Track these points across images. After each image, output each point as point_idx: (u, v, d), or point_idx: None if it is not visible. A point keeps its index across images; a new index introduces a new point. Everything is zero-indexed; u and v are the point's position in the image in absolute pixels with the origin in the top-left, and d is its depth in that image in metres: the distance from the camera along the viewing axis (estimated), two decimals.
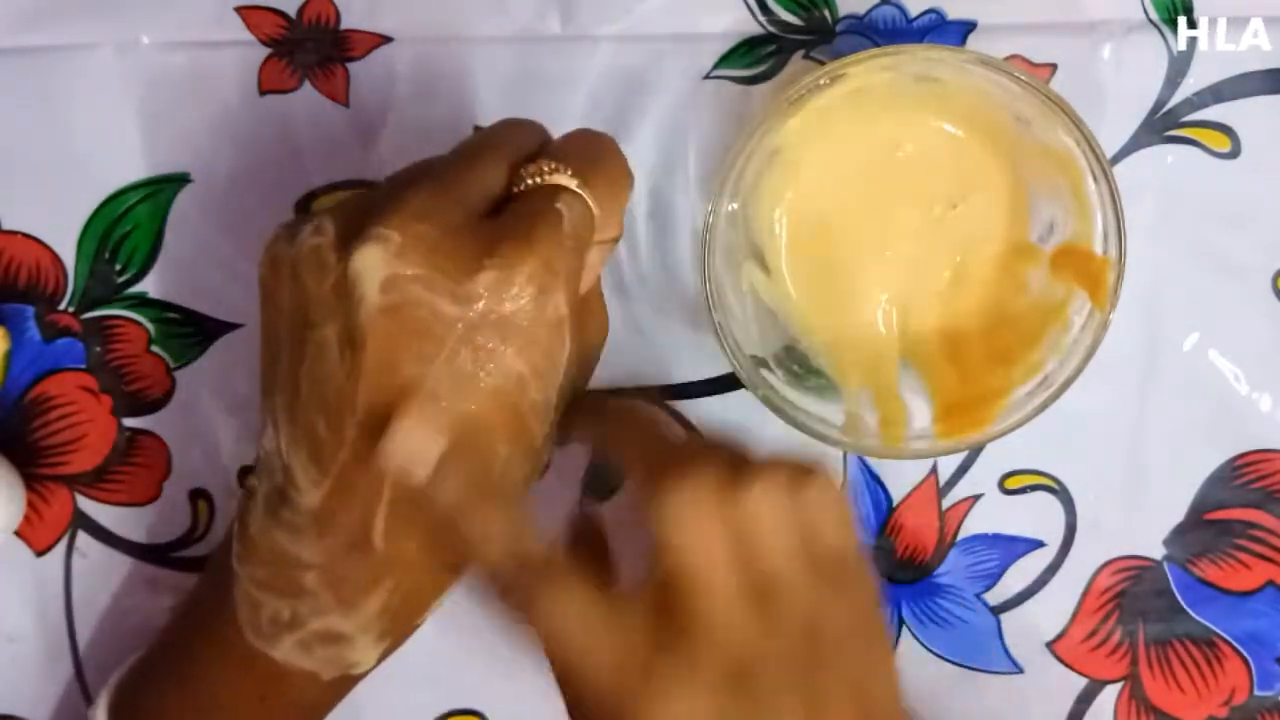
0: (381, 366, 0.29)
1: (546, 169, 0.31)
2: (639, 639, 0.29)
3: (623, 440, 0.33)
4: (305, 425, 0.30)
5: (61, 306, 0.41)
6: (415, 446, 0.29)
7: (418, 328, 0.29)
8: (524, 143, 0.32)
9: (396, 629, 0.33)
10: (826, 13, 0.40)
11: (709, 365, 0.41)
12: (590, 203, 0.31)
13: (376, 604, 0.32)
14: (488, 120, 0.40)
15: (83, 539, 0.41)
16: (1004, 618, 0.42)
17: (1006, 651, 0.42)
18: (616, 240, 0.34)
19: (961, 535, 0.42)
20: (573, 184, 0.31)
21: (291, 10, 0.40)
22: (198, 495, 0.41)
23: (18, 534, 0.41)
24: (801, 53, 0.40)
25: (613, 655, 0.28)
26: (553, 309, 0.30)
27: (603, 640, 0.29)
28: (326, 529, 0.31)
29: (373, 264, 0.29)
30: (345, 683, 0.34)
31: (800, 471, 0.31)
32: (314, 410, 0.30)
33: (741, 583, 0.29)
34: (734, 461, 0.31)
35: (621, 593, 0.30)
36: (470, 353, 0.29)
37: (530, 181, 0.31)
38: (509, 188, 0.31)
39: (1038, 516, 0.42)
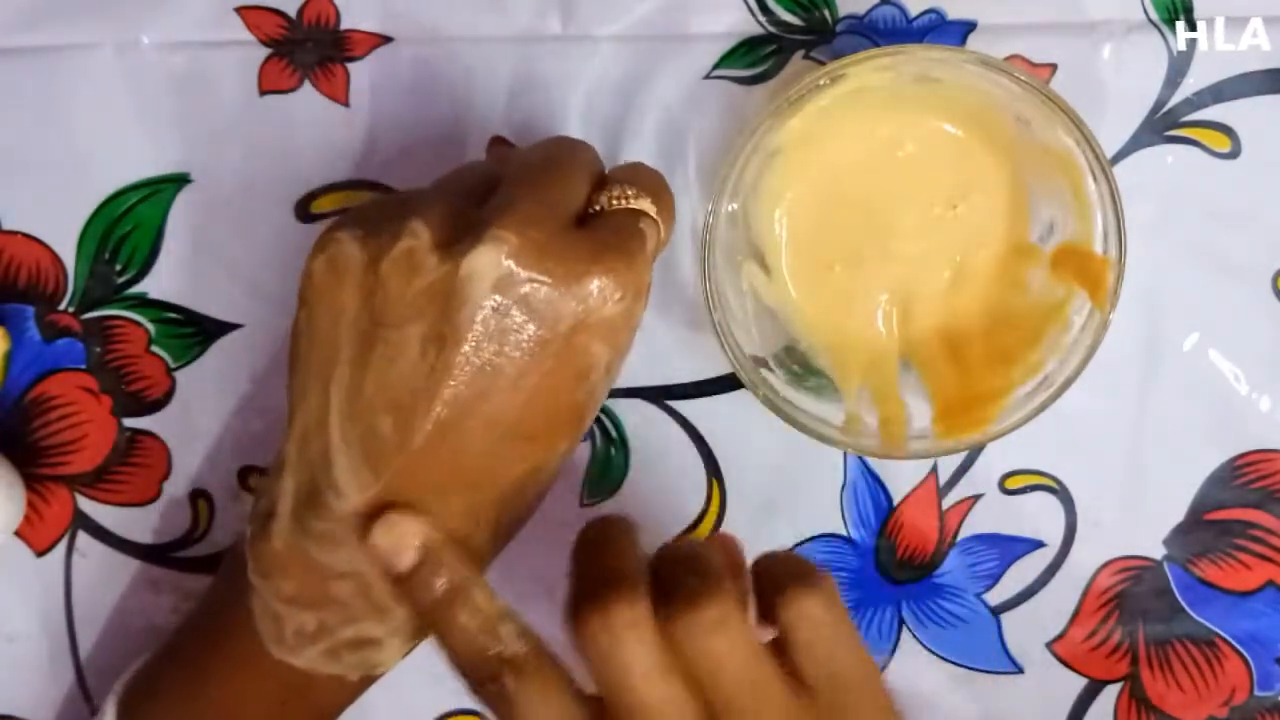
0: (478, 365, 0.30)
1: (630, 193, 0.33)
2: None
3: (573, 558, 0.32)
4: (365, 425, 0.31)
5: (61, 306, 0.41)
6: (397, 538, 0.31)
7: (520, 328, 0.31)
8: (595, 163, 0.35)
9: (422, 632, 0.33)
10: (826, 13, 0.40)
11: (709, 365, 0.41)
12: (661, 228, 0.34)
13: (407, 610, 0.32)
14: (489, 123, 0.40)
15: (83, 539, 0.41)
16: (1004, 618, 0.42)
17: (1006, 651, 0.42)
18: None
19: (961, 535, 0.42)
20: (652, 210, 0.34)
21: (291, 10, 0.40)
22: (198, 495, 0.41)
23: (18, 534, 0.41)
24: (801, 53, 0.40)
25: None
26: (636, 316, 0.33)
27: None
28: (368, 533, 0.31)
29: (489, 265, 0.30)
30: (366, 682, 0.34)
31: (792, 581, 0.30)
32: (379, 410, 0.31)
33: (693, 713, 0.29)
34: (692, 586, 0.29)
35: (590, 704, 0.29)
36: (568, 352, 0.31)
37: (616, 203, 0.33)
38: (588, 204, 0.33)
39: (1038, 516, 0.42)
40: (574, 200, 0.33)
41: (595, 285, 0.31)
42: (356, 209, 0.34)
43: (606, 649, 0.28)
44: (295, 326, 0.33)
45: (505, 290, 0.30)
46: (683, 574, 0.30)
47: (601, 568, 0.30)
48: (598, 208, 0.33)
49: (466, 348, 0.30)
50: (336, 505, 0.31)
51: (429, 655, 0.40)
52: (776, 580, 0.31)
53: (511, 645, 0.30)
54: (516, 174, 0.33)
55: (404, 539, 0.31)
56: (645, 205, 0.33)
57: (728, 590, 0.29)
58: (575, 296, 0.31)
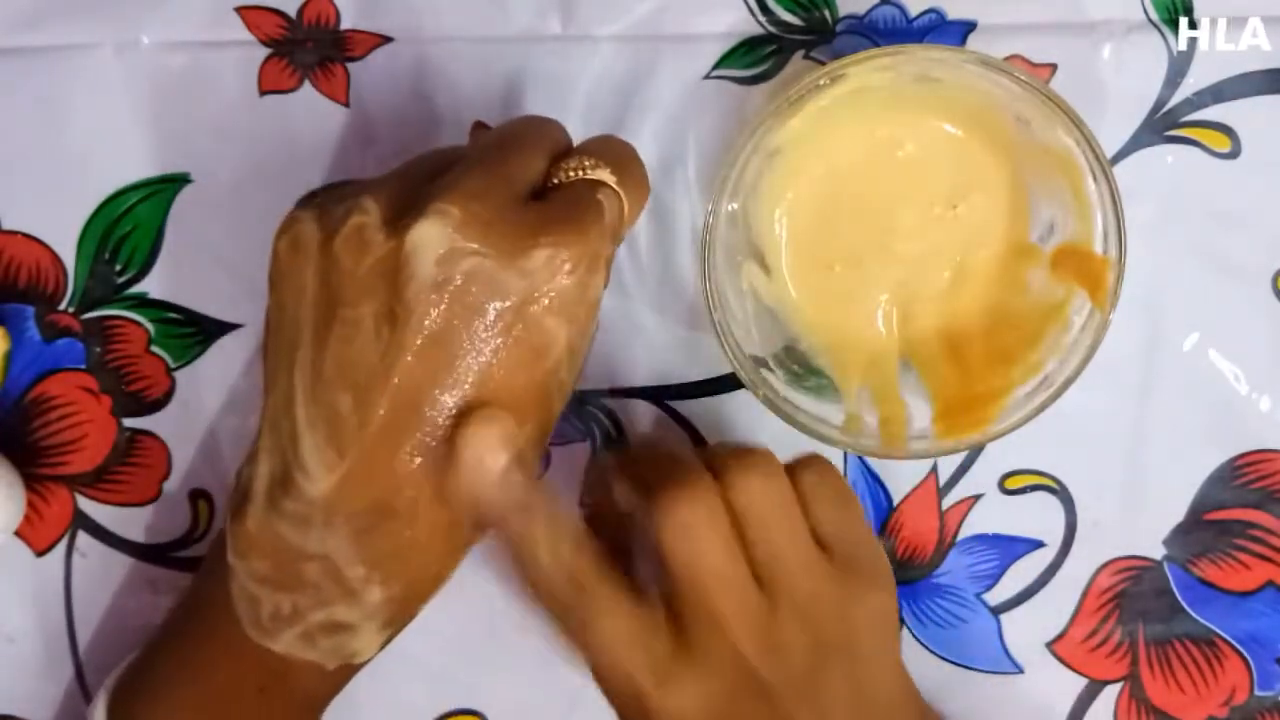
0: (430, 341, 0.30)
1: (588, 164, 0.33)
2: (660, 647, 0.32)
3: (635, 473, 0.35)
4: (326, 405, 0.31)
5: (61, 306, 0.41)
6: (496, 435, 0.31)
7: (470, 302, 0.30)
8: (557, 138, 0.34)
9: (401, 615, 0.33)
10: (826, 13, 0.40)
11: (709, 365, 0.41)
12: (623, 199, 0.33)
13: (382, 592, 0.32)
14: (493, 119, 0.40)
15: (83, 539, 0.41)
16: (1004, 618, 0.42)
17: (1006, 651, 0.42)
18: (617, 246, 0.35)
19: (961, 535, 0.42)
20: (611, 180, 0.33)
21: (291, 10, 0.40)
22: (198, 495, 0.41)
23: (18, 534, 0.41)
24: (801, 53, 0.40)
25: (642, 662, 0.32)
26: (593, 290, 0.32)
27: (634, 652, 0.32)
28: (335, 515, 0.31)
29: (432, 239, 0.30)
30: (346, 671, 0.34)
31: (796, 461, 0.35)
32: (338, 389, 0.31)
33: (743, 578, 0.32)
34: (725, 462, 0.33)
35: (647, 605, 0.32)
36: (521, 327, 0.31)
37: (572, 174, 0.33)
38: (547, 179, 0.33)
39: (1038, 516, 0.42)
40: (528, 173, 0.32)
41: (542, 256, 0.30)
42: (320, 190, 0.34)
43: (695, 537, 0.32)
44: (266, 311, 0.33)
45: (451, 264, 0.30)
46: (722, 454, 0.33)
47: (669, 467, 0.33)
48: (555, 181, 0.33)
49: (415, 323, 0.30)
50: (306, 486, 0.31)
51: (428, 654, 0.41)
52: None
53: (576, 561, 0.32)
54: (472, 151, 0.33)
55: (500, 439, 0.31)
56: (604, 175, 0.33)
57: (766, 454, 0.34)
58: (520, 270, 0.30)
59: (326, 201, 0.32)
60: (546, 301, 0.31)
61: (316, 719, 0.36)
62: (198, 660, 0.34)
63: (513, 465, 0.31)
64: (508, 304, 0.30)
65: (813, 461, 0.35)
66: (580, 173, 0.33)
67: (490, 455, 0.31)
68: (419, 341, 0.30)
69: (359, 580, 0.31)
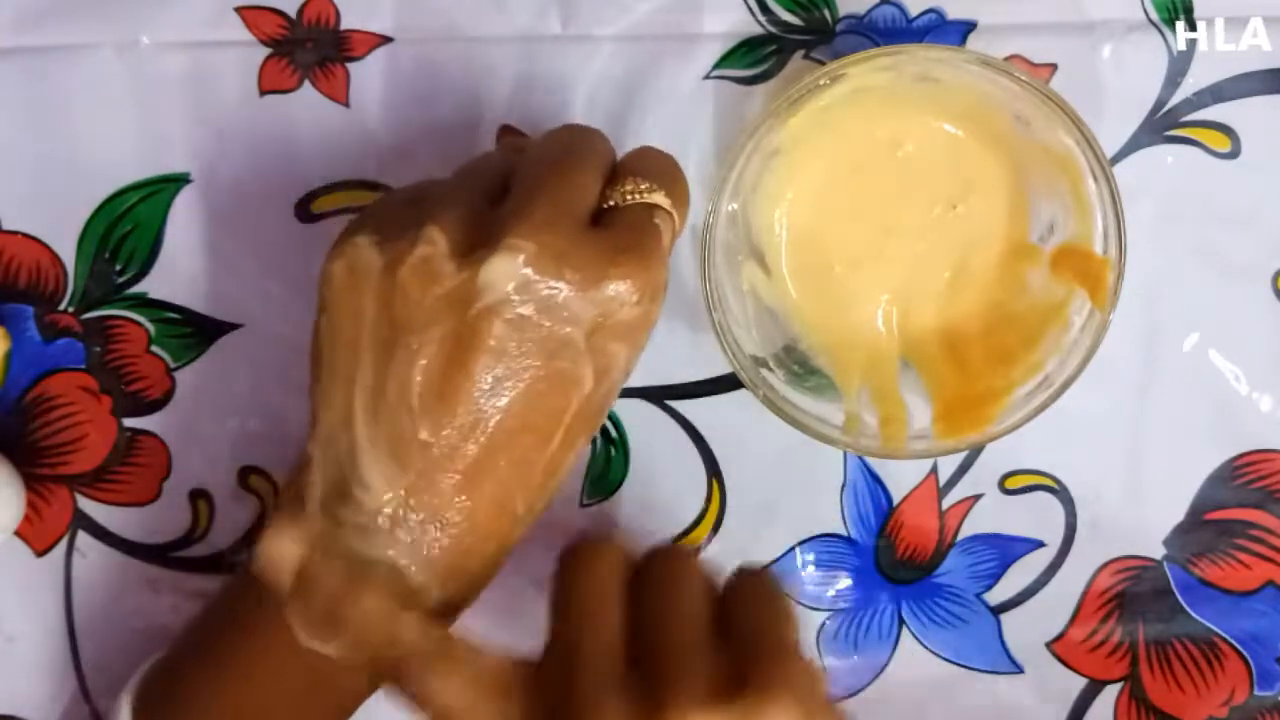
0: (499, 369, 0.31)
1: (643, 187, 0.33)
2: None
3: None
4: (390, 425, 0.31)
5: (61, 306, 0.41)
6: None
7: (541, 334, 0.31)
8: (606, 152, 0.35)
9: (449, 616, 0.34)
10: (826, 13, 0.40)
11: (709, 365, 0.41)
12: (676, 220, 0.34)
13: (439, 594, 0.33)
14: (489, 123, 0.40)
15: (83, 539, 0.41)
16: (1004, 618, 0.42)
17: (1006, 651, 0.42)
18: None
19: (961, 535, 0.42)
20: (666, 203, 0.34)
21: (291, 10, 0.40)
22: (198, 495, 0.41)
23: (18, 534, 0.41)
24: (801, 53, 0.40)
25: None
26: (655, 313, 0.33)
27: None
28: (399, 524, 0.32)
29: (506, 274, 0.30)
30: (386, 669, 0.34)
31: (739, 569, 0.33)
32: (403, 411, 0.31)
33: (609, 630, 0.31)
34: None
35: None
36: (588, 352, 0.32)
37: (629, 198, 0.33)
38: (602, 197, 0.33)
39: (1038, 516, 0.42)
40: (588, 197, 0.33)
41: (612, 289, 0.31)
42: (372, 210, 0.34)
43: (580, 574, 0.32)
44: (316, 329, 0.34)
45: (524, 295, 0.31)
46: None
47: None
48: (612, 203, 0.33)
49: (486, 353, 0.31)
50: (364, 500, 0.32)
51: None
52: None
53: (410, 637, 0.31)
54: (529, 172, 0.33)
55: (280, 562, 0.32)
56: (659, 199, 0.33)
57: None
58: (593, 301, 0.31)
59: (382, 223, 0.33)
60: (613, 329, 0.32)
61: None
62: (234, 666, 0.34)
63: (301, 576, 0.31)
64: (578, 333, 0.31)
65: (753, 569, 0.33)
66: (636, 196, 0.33)
67: (277, 579, 0.32)
68: (487, 369, 0.31)
69: (417, 585, 0.32)
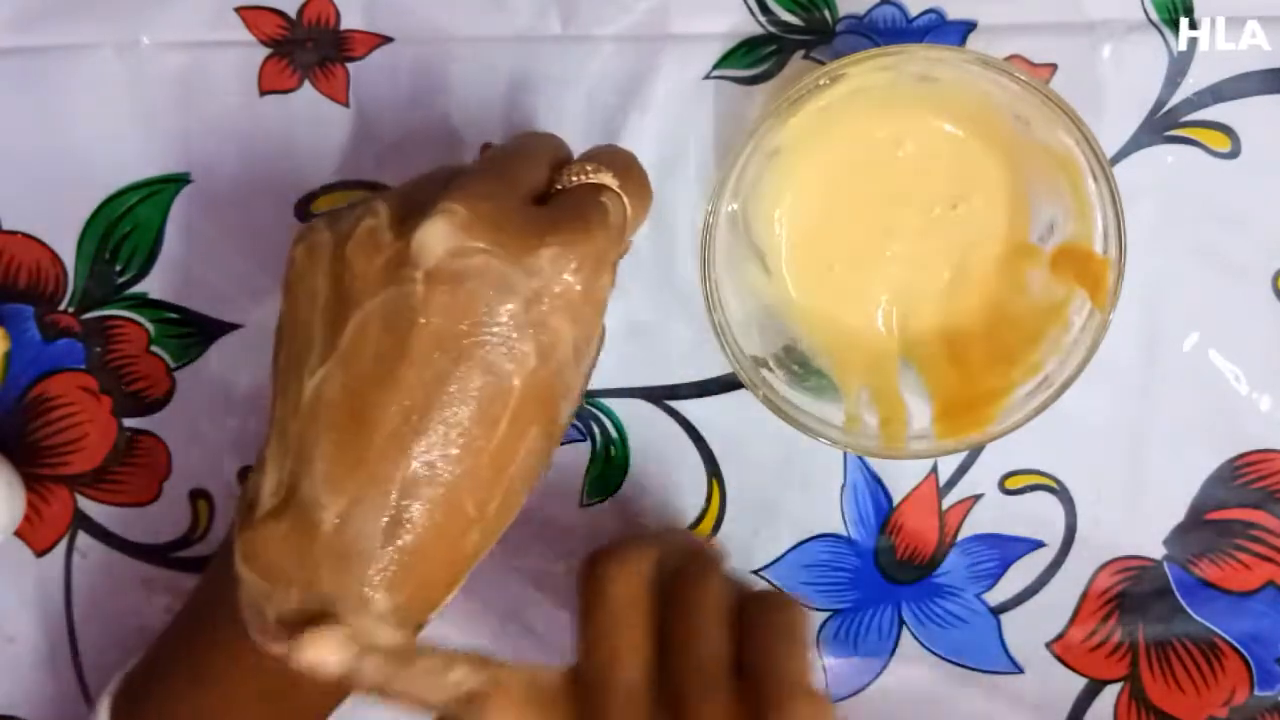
0: (436, 341, 0.30)
1: (590, 169, 0.33)
2: None
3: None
4: (338, 408, 0.31)
5: (61, 306, 0.41)
6: (331, 639, 0.30)
7: (474, 301, 0.30)
8: (559, 148, 0.35)
9: (408, 623, 0.33)
10: (826, 13, 0.40)
11: (709, 365, 0.41)
12: (626, 203, 0.34)
13: (388, 600, 0.31)
14: (489, 123, 0.40)
15: (83, 539, 0.41)
16: (1004, 618, 0.42)
17: (1006, 651, 0.42)
18: (623, 254, 0.35)
19: (961, 535, 0.42)
20: (614, 184, 0.33)
21: (291, 10, 0.40)
22: (198, 495, 0.41)
23: (18, 534, 0.41)
24: (801, 53, 0.40)
25: None
26: (599, 291, 0.32)
27: None
28: (345, 524, 0.31)
29: (438, 236, 0.30)
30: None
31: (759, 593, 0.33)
32: (351, 391, 0.31)
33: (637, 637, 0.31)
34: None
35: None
36: (527, 326, 0.31)
37: (575, 179, 0.33)
38: (550, 185, 0.33)
39: (1038, 516, 0.42)
40: (533, 179, 0.33)
41: (549, 255, 0.31)
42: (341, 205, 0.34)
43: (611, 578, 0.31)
44: (279, 319, 0.33)
45: (457, 261, 0.30)
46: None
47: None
48: (559, 186, 0.33)
49: (421, 321, 0.30)
50: (315, 493, 0.31)
51: None
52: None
53: (467, 682, 0.30)
54: (479, 161, 0.34)
55: (324, 651, 0.30)
56: (606, 179, 0.33)
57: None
58: (528, 268, 0.31)
59: (340, 210, 0.33)
60: (552, 301, 0.31)
61: None
62: (202, 667, 0.34)
63: (359, 657, 0.30)
64: (514, 303, 0.31)
65: (776, 597, 0.33)
66: (583, 177, 0.33)
67: (324, 669, 0.30)
68: (425, 341, 0.30)
69: (367, 588, 0.31)
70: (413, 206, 0.31)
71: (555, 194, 0.33)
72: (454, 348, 0.30)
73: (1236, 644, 0.42)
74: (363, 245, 0.31)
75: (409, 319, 0.30)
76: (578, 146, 0.39)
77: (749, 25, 0.40)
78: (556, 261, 0.31)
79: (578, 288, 0.31)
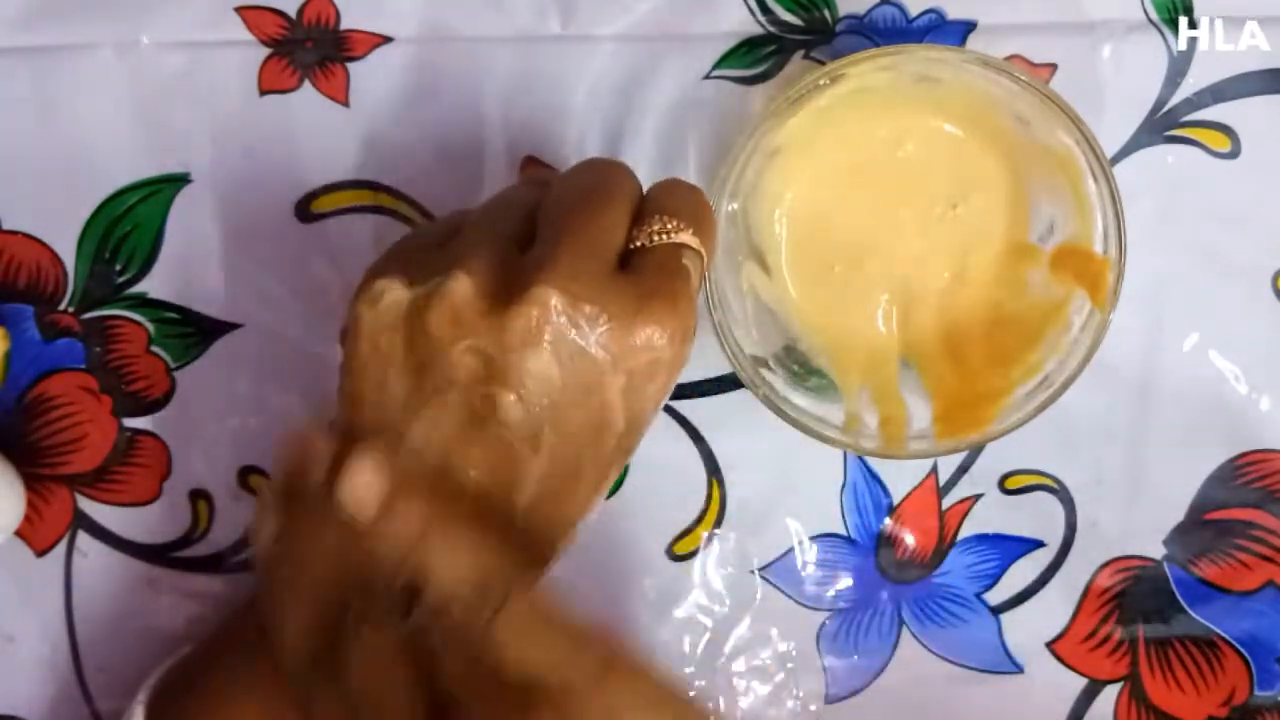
0: (527, 420, 0.31)
1: (671, 227, 0.32)
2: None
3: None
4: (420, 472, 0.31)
5: (61, 306, 0.41)
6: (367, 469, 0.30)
7: (572, 381, 0.31)
8: (632, 190, 0.34)
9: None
10: (826, 13, 0.40)
11: (709, 365, 0.41)
12: (704, 260, 0.33)
13: None
14: (489, 123, 0.40)
15: (83, 539, 0.41)
16: (1004, 618, 0.42)
17: (1006, 651, 0.42)
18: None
19: (961, 535, 0.42)
20: (695, 243, 0.33)
21: (291, 10, 0.40)
22: (198, 495, 0.41)
23: (18, 534, 0.41)
24: (801, 53, 0.40)
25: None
26: (684, 357, 0.32)
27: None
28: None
29: (533, 322, 0.30)
30: None
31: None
32: (431, 458, 0.31)
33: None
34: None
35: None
36: (620, 402, 0.32)
37: (657, 238, 0.33)
38: (630, 239, 0.33)
39: (1038, 516, 0.42)
40: (615, 239, 0.32)
41: (642, 335, 0.31)
42: (397, 250, 0.34)
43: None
44: (344, 366, 0.33)
45: (551, 347, 0.30)
46: None
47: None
48: (640, 243, 0.33)
49: (514, 399, 0.30)
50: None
51: None
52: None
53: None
54: (555, 213, 0.33)
55: (368, 489, 0.30)
56: (687, 238, 0.33)
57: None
58: (623, 347, 0.31)
59: (410, 264, 0.32)
60: (644, 372, 0.32)
61: None
62: (240, 680, 0.34)
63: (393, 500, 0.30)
64: (608, 379, 0.31)
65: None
66: (664, 236, 0.33)
67: (364, 508, 0.30)
68: (516, 417, 0.31)
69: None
70: (500, 279, 0.31)
71: (636, 251, 0.33)
72: (545, 422, 0.31)
73: (1236, 644, 0.42)
74: (446, 319, 0.31)
75: (502, 395, 0.30)
76: (578, 147, 0.40)
77: (749, 25, 0.40)
78: (649, 339, 0.31)
79: (668, 357, 0.32)
